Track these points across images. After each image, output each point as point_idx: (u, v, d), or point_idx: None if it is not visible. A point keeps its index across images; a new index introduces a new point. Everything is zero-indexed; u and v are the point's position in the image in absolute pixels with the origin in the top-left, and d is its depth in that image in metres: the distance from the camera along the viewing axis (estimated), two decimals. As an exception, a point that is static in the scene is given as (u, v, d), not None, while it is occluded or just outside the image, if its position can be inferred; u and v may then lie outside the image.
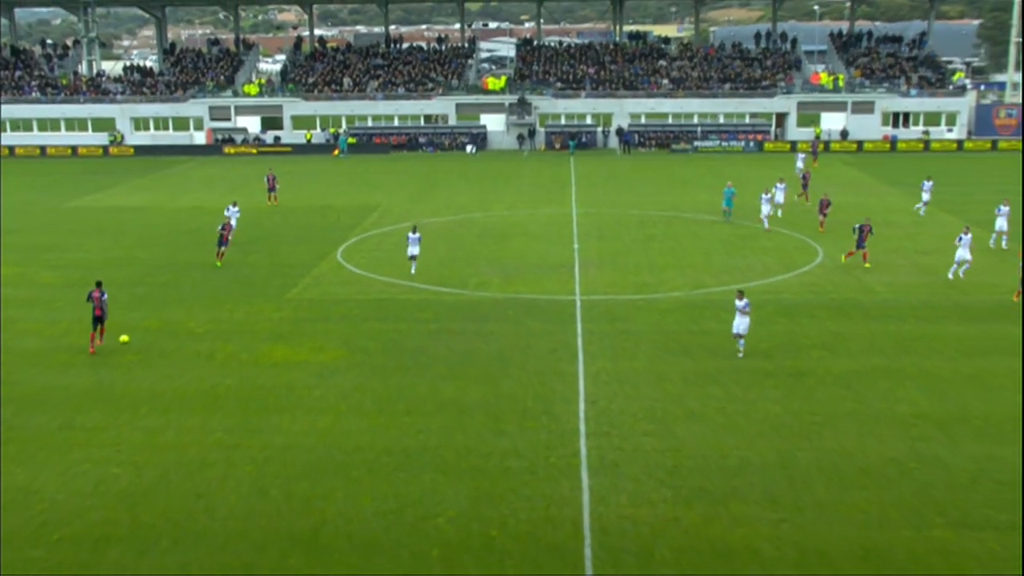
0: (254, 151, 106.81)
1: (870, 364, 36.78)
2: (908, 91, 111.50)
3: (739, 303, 36.88)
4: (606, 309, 43.73)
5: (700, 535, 24.41)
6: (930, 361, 37.24)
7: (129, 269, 52.15)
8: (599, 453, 28.86)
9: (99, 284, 38.63)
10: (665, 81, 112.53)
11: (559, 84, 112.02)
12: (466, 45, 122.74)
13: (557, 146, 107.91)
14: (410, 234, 50.10)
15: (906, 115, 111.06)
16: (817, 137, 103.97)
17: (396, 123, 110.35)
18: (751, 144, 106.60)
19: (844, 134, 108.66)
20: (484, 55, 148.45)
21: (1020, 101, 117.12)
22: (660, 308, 43.97)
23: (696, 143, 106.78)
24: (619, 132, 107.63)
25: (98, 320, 38.10)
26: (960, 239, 48.74)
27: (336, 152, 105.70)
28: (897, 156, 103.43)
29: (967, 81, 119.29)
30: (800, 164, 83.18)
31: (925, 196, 67.84)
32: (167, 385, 34.50)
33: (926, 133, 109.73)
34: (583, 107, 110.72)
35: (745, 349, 37.26)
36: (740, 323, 37.03)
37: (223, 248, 52.79)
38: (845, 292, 46.56)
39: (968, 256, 48.68)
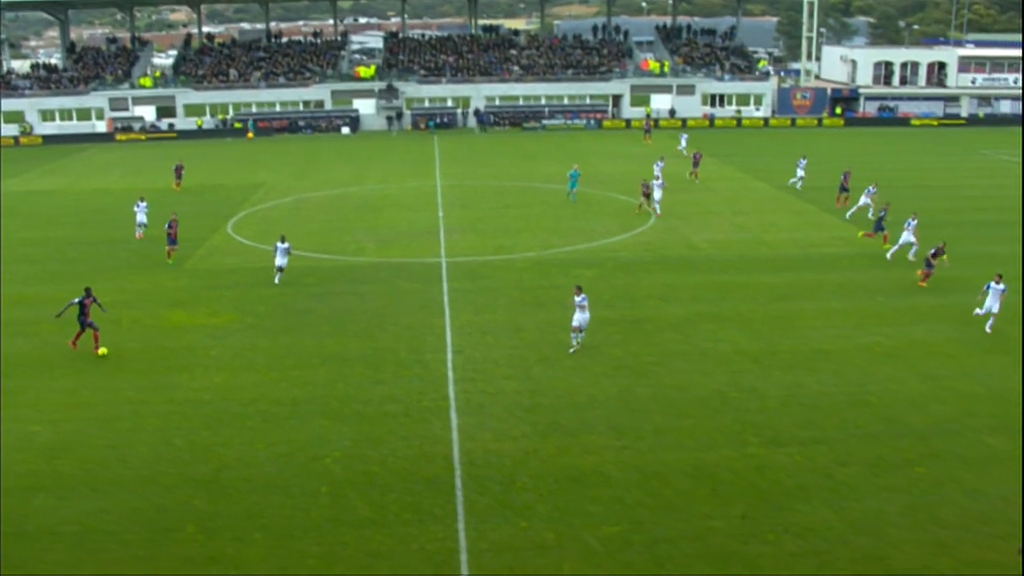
0: (143, 137, 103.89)
1: (696, 310, 37.48)
2: (722, 76, 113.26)
3: (577, 299, 32.26)
4: (469, 269, 43.70)
5: (555, 463, 24.68)
6: (746, 305, 38.10)
7: (42, 247, 50.25)
8: (466, 396, 28.92)
9: (88, 291, 33.32)
10: (516, 68, 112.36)
11: (423, 72, 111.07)
12: (339, 38, 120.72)
13: (422, 127, 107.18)
14: (278, 243, 41.83)
15: (721, 96, 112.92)
16: (648, 116, 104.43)
17: (278, 109, 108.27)
18: (592, 122, 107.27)
19: (671, 113, 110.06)
20: (355, 47, 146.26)
21: (812, 85, 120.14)
22: (516, 267, 44.10)
23: (544, 122, 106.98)
24: (476, 113, 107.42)
25: (88, 326, 32.92)
26: (908, 224, 45.49)
27: (250, 135, 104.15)
28: (715, 131, 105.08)
29: (770, 68, 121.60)
30: (683, 144, 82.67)
31: (800, 172, 65.59)
32: (79, 350, 33.45)
33: (738, 112, 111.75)
34: (444, 92, 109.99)
35: (588, 325, 33.73)
36: (580, 318, 32.37)
37: (173, 247, 45.89)
38: (674, 249, 47.27)
39: (913, 239, 45.04)
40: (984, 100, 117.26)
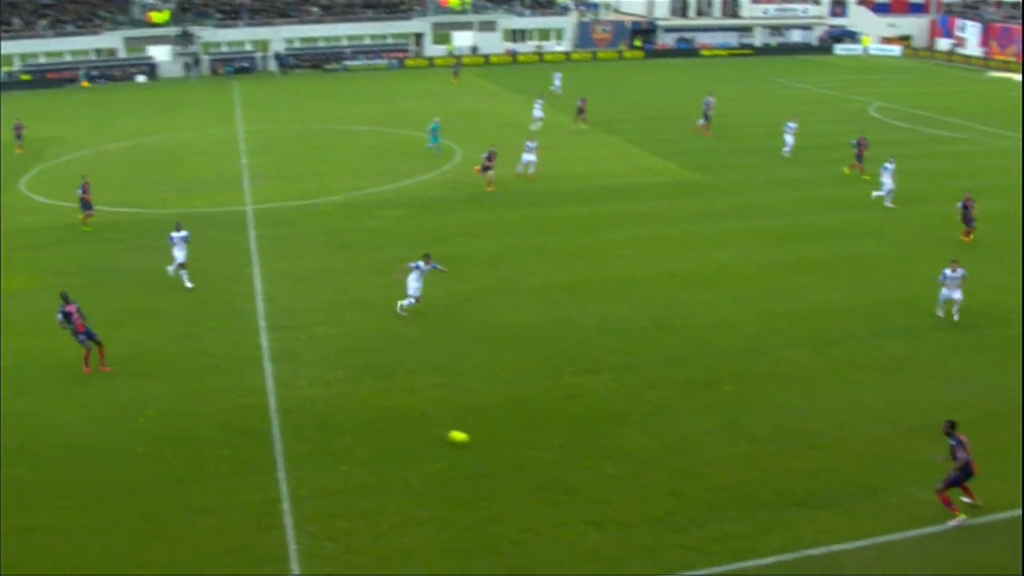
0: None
1: (508, 245, 37.68)
2: (523, 11, 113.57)
3: (422, 266, 30.27)
4: (276, 216, 42.67)
5: (373, 405, 24.54)
6: (556, 238, 38.54)
7: None
8: (279, 344, 28.34)
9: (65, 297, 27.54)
10: (315, 9, 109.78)
11: (219, 15, 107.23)
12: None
13: (220, 72, 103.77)
14: (173, 233, 33.68)
15: (523, 32, 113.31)
16: (458, 60, 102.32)
17: (68, 59, 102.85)
18: (394, 62, 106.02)
19: (473, 50, 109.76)
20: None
21: (612, 18, 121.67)
22: (323, 211, 43.36)
23: (346, 63, 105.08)
24: (277, 56, 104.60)
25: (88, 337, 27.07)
26: (884, 168, 43.96)
27: (85, 84, 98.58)
28: (518, 67, 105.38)
29: (570, 2, 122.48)
30: (537, 111, 65.58)
31: (788, 138, 55.06)
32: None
33: (539, 47, 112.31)
34: (242, 35, 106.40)
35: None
36: (415, 288, 30.26)
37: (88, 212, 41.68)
38: (479, 186, 47.15)
39: (891, 185, 43.25)
40: (776, 30, 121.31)
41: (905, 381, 25.58)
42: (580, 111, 64.22)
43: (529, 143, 49.29)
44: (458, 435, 22.47)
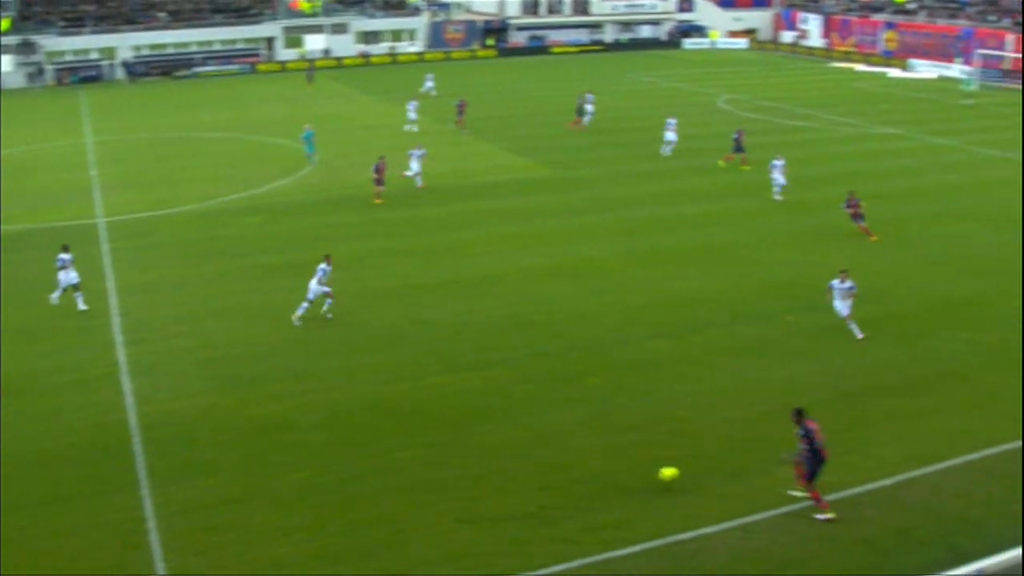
0: None
1: (367, 247, 37.43)
2: (375, 13, 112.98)
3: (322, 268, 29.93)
4: (129, 227, 41.49)
5: (237, 416, 24.12)
6: (415, 239, 38.51)
7: None
8: (137, 358, 27.58)
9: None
10: (163, 14, 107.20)
11: (62, 23, 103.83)
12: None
13: (66, 81, 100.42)
14: (63, 255, 31.47)
15: (376, 33, 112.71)
16: (311, 64, 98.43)
17: None
18: (246, 67, 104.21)
19: (326, 52, 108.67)
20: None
21: (463, 18, 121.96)
22: (178, 220, 42.35)
23: (196, 69, 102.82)
24: (125, 64, 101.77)
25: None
26: (773, 165, 44.13)
27: None
28: (370, 69, 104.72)
29: (422, 3, 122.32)
30: (412, 114, 63.98)
31: (670, 136, 53.71)
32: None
33: (392, 48, 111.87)
34: (88, 43, 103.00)
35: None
36: (314, 289, 29.85)
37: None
38: (339, 189, 46.83)
39: (783, 180, 43.76)
40: (626, 26, 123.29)
41: (761, 364, 26.34)
42: (460, 112, 63.13)
43: (415, 151, 47.01)
44: (668, 472, 20.40)
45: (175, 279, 34.48)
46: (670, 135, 53.24)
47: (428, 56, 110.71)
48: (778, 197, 43.84)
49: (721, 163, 49.44)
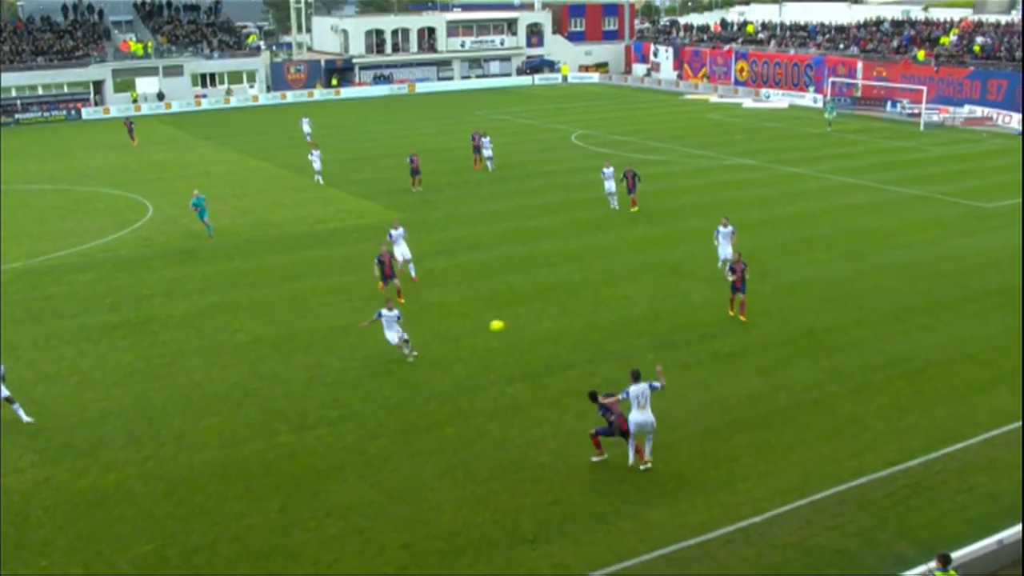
0: None
1: (207, 302, 36.92)
2: (211, 54, 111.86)
3: (389, 312, 29.66)
4: (-55, 289, 40.08)
5: (72, 488, 23.41)
6: (258, 291, 38.12)
7: None
8: (-43, 431, 26.60)
9: None
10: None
11: None
12: None
13: None
14: None
15: (212, 75, 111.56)
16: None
17: None
18: (72, 112, 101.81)
19: (160, 96, 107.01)
20: None
21: (306, 58, 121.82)
22: (1, 280, 41.00)
23: (17, 116, 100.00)
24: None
25: None
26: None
27: None
28: (205, 113, 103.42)
29: (261, 43, 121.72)
30: (317, 164, 59.79)
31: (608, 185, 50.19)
32: None
33: (229, 91, 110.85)
34: None
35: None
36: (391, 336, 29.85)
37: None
38: (176, 241, 46.08)
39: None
40: (474, 62, 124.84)
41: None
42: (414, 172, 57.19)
43: (396, 232, 39.23)
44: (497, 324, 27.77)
45: (1, 343, 33.43)
46: (609, 184, 49.75)
47: (266, 99, 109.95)
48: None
49: (634, 209, 48.97)
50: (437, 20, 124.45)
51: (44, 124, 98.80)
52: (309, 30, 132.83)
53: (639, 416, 22.56)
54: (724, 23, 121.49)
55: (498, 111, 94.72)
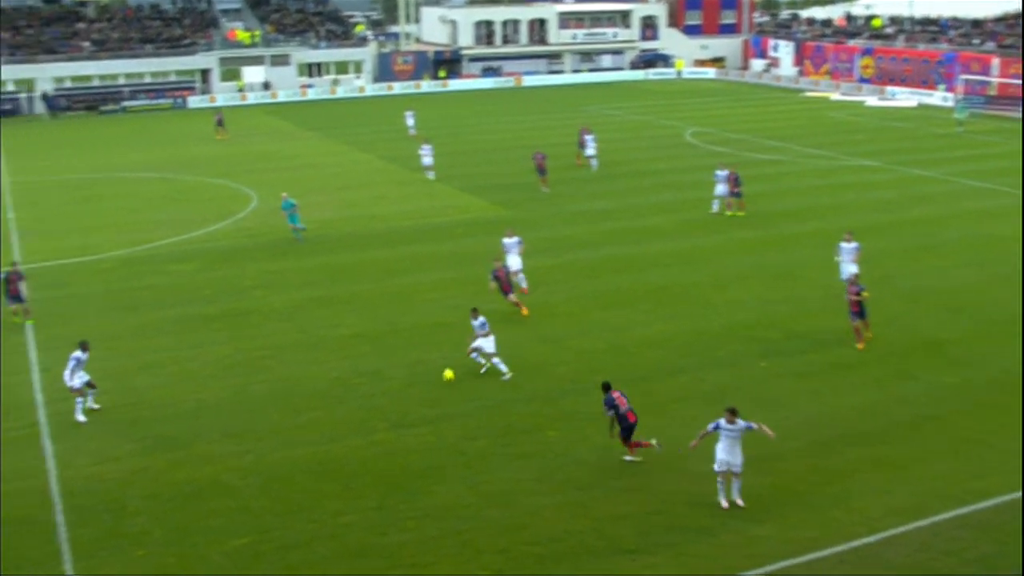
0: None
1: (308, 295, 37.49)
2: (318, 44, 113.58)
3: (475, 322, 29.69)
4: (49, 276, 41.28)
5: (168, 479, 23.95)
6: (360, 285, 38.60)
7: None
8: (58, 419, 27.38)
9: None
10: (87, 44, 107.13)
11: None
12: None
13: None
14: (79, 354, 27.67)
15: (319, 65, 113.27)
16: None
17: None
18: (179, 101, 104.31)
19: (266, 86, 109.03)
20: None
21: (413, 48, 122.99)
22: (103, 268, 42.17)
23: (124, 103, 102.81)
24: (45, 98, 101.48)
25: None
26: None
27: None
28: (311, 103, 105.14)
29: (368, 33, 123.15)
30: (427, 159, 59.72)
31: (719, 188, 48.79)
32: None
33: (336, 81, 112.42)
34: (3, 74, 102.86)
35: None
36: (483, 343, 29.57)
37: None
38: (278, 233, 46.85)
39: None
40: (586, 56, 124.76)
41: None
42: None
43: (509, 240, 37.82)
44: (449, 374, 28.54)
45: (100, 332, 34.20)
46: (721, 188, 48.60)
47: (373, 89, 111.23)
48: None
49: (729, 213, 48.21)
50: (548, 11, 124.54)
51: (150, 112, 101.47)
52: (417, 20, 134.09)
53: (725, 454, 21.77)
54: (849, 17, 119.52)
55: (609, 106, 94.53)
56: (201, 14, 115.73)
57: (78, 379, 27.41)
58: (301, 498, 22.92)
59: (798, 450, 24.33)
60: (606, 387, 23.74)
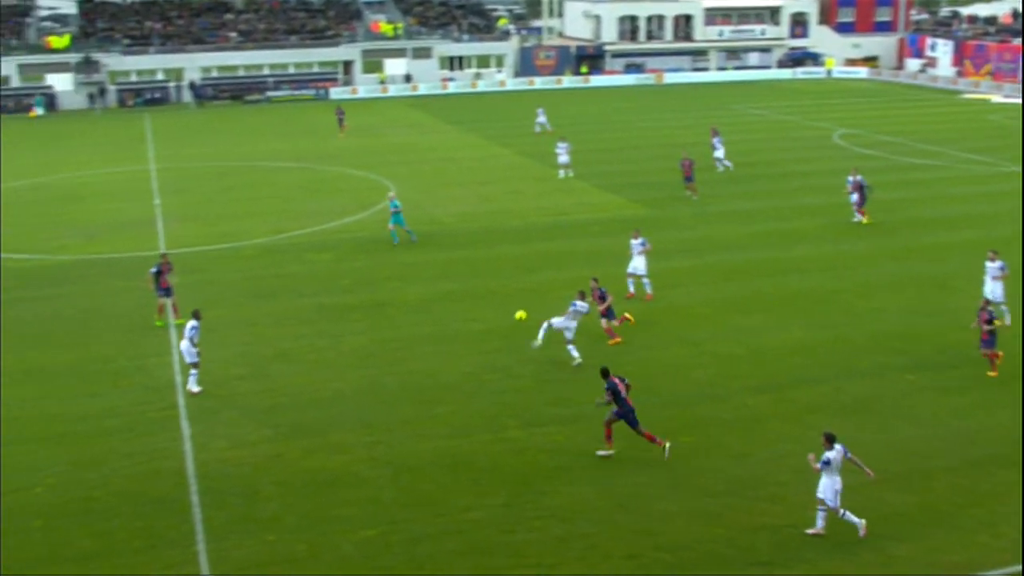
0: None
1: (443, 289, 37.91)
2: (460, 37, 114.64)
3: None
4: (191, 261, 42.54)
5: (301, 467, 24.48)
6: (495, 280, 38.88)
7: None
8: (196, 402, 28.23)
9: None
10: (233, 34, 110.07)
11: (126, 41, 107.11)
12: (23, 2, 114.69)
13: (129, 103, 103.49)
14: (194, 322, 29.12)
15: (460, 59, 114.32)
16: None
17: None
18: (321, 92, 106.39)
19: (408, 78, 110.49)
20: (44, 12, 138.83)
21: (556, 43, 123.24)
22: (244, 255, 43.32)
23: (268, 93, 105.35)
24: (192, 86, 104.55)
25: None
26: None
27: (32, 114, 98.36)
28: (452, 97, 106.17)
29: (511, 27, 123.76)
30: (563, 157, 59.47)
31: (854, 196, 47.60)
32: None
33: (478, 75, 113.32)
34: (153, 63, 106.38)
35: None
36: (561, 324, 30.47)
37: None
38: (416, 225, 47.21)
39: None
40: (732, 53, 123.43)
41: (871, 426, 25.98)
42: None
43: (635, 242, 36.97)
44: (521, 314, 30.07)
45: (239, 318, 35.27)
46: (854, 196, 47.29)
47: (511, 83, 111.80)
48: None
49: (865, 220, 46.80)
50: (695, 7, 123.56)
51: (293, 103, 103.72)
52: (561, 15, 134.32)
53: (828, 481, 21.20)
54: (1016, 14, 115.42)
55: (754, 105, 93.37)
56: (345, 6, 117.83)
57: (194, 354, 28.72)
58: (430, 491, 23.20)
59: (944, 469, 23.66)
60: (605, 373, 24.48)
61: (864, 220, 46.61)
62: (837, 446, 20.76)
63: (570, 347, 30.23)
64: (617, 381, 24.19)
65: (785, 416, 26.74)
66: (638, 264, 36.47)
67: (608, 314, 32.44)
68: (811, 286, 37.65)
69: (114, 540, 21.50)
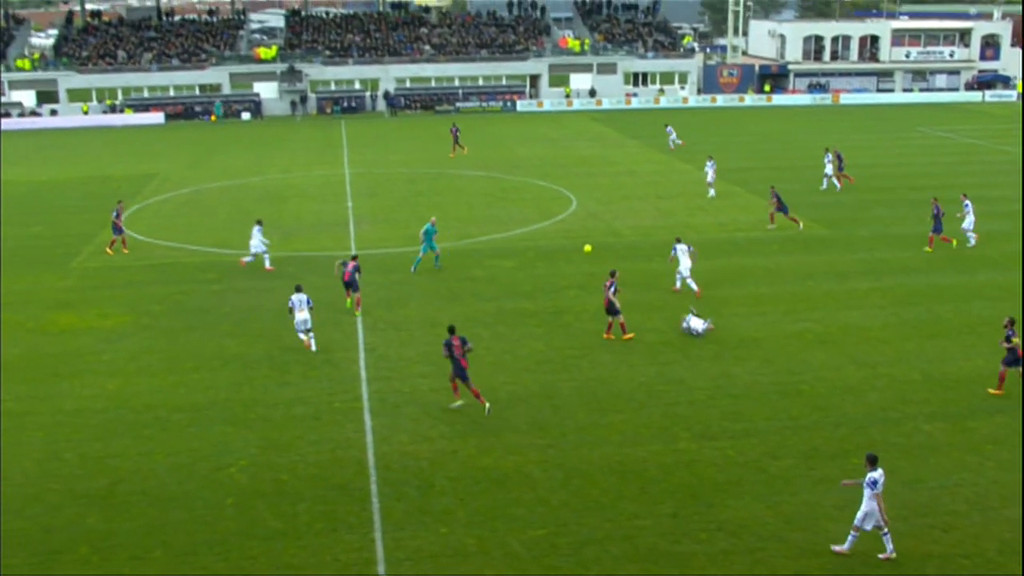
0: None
1: (620, 299, 37.58)
2: (645, 53, 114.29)
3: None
4: (380, 262, 43.52)
5: (475, 464, 24.74)
6: (670, 295, 38.47)
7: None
8: (379, 396, 28.85)
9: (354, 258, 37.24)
10: (427, 47, 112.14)
11: (327, 52, 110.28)
12: (236, 17, 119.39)
13: (328, 111, 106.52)
14: (295, 296, 33.01)
15: (644, 75, 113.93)
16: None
17: (172, 93, 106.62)
18: (508, 104, 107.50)
19: (592, 93, 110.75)
20: (255, 26, 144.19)
21: (740, 62, 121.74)
22: (430, 258, 43.92)
23: (458, 104, 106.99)
24: (386, 96, 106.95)
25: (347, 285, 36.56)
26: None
27: (213, 118, 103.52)
28: (634, 112, 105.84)
29: (695, 44, 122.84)
30: (711, 175, 58.54)
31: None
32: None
33: (661, 91, 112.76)
34: (351, 73, 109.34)
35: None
36: (696, 324, 32.51)
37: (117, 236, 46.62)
38: (596, 236, 47.34)
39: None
40: (919, 75, 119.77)
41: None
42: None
43: (681, 246, 38.98)
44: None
45: (423, 318, 35.85)
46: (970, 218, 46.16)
47: (692, 101, 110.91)
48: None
49: (929, 250, 45.09)
50: (881, 28, 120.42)
51: (481, 113, 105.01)
52: (745, 33, 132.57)
53: (868, 506, 20.33)
54: None
55: (939, 128, 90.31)
56: (535, 22, 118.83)
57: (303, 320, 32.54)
58: (599, 496, 23.16)
59: None
60: (451, 330, 28.00)
61: (954, 242, 45.59)
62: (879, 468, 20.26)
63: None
64: (455, 340, 27.37)
65: (963, 445, 25.69)
66: (684, 264, 38.39)
67: None
68: (994, 314, 35.99)
69: (298, 522, 22.15)
